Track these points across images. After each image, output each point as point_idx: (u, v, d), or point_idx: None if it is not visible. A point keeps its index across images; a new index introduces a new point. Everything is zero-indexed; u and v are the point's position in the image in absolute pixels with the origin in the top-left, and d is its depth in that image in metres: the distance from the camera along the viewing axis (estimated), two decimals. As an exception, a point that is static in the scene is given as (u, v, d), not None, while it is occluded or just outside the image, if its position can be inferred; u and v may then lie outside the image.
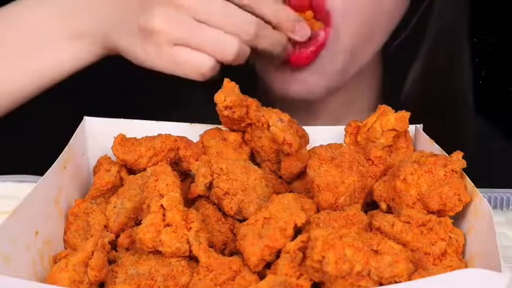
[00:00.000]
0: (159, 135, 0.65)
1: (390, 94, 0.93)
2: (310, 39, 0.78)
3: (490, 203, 0.67)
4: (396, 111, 0.67)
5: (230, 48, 0.69)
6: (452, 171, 0.57)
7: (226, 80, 0.64)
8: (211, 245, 0.57)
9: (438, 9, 0.88)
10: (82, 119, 0.69)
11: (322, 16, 0.78)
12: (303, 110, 0.90)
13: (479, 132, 0.98)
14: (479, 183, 0.57)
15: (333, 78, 0.83)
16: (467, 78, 0.93)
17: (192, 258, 0.55)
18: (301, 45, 0.78)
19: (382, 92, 0.95)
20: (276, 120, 0.62)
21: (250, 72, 0.90)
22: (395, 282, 0.47)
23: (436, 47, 0.90)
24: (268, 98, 0.92)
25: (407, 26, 0.87)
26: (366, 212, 0.59)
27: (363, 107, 0.93)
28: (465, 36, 0.92)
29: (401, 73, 0.91)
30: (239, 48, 0.69)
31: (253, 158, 0.68)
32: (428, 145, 0.65)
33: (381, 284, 0.47)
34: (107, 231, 0.59)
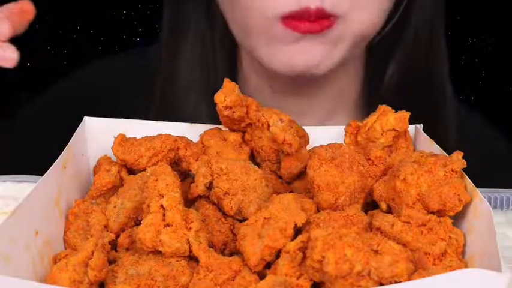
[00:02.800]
0: (159, 135, 0.65)
1: (371, 89, 0.93)
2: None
3: (490, 203, 0.67)
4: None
5: None
6: (452, 171, 0.57)
7: (226, 80, 0.64)
8: (211, 245, 0.57)
9: (419, 2, 0.89)
10: (82, 119, 0.69)
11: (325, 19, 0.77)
12: (291, 109, 0.90)
13: (479, 132, 0.98)
14: (479, 183, 0.57)
15: (339, 53, 0.82)
16: (446, 70, 0.93)
17: (192, 258, 0.55)
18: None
19: (365, 89, 0.95)
20: (276, 120, 0.62)
21: (230, 64, 0.90)
22: (395, 282, 0.47)
23: (414, 42, 0.91)
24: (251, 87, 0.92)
25: (393, 18, 0.87)
26: (366, 212, 0.59)
27: (348, 104, 0.93)
28: (442, 30, 0.92)
29: (381, 67, 0.92)
30: None
31: (253, 158, 0.68)
32: (428, 145, 0.65)
33: (381, 284, 0.47)
34: (107, 231, 0.59)
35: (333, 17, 0.77)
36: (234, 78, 0.93)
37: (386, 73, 0.91)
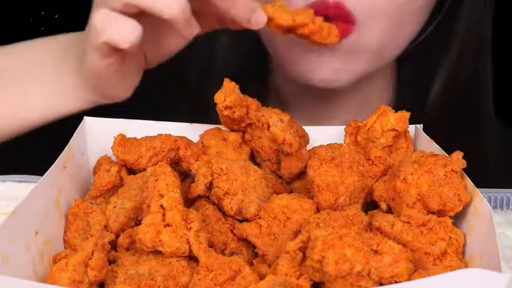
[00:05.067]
0: (159, 135, 0.65)
1: (415, 98, 0.92)
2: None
3: (490, 203, 0.66)
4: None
5: None
6: (452, 171, 0.57)
7: (226, 80, 0.64)
8: (211, 245, 0.57)
9: (466, 12, 0.87)
10: (82, 119, 0.69)
11: (343, 18, 0.75)
12: (317, 109, 0.89)
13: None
14: (479, 183, 0.57)
15: (361, 66, 0.81)
16: (490, 82, 0.93)
17: (192, 258, 0.55)
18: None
19: (399, 93, 0.95)
20: (276, 120, 0.62)
21: (263, 72, 0.90)
22: (395, 282, 0.47)
23: (463, 51, 0.89)
24: (282, 94, 0.92)
25: (427, 28, 0.86)
26: (366, 212, 0.59)
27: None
28: (490, 38, 0.91)
29: (427, 76, 0.91)
30: None
31: (253, 158, 0.68)
32: (428, 145, 0.65)
33: (381, 284, 0.47)
34: (107, 231, 0.59)
35: (351, 20, 0.75)
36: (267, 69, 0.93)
37: (431, 89, 0.90)
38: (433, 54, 0.90)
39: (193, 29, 0.64)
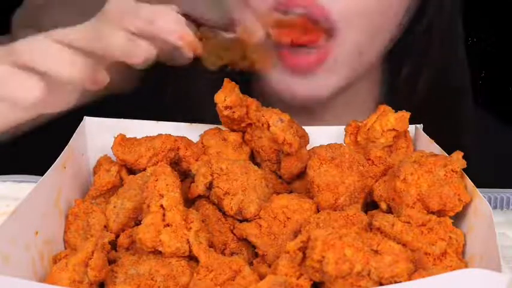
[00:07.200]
0: (159, 135, 0.65)
1: (388, 93, 0.93)
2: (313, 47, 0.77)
3: (490, 203, 0.67)
4: (395, 110, 0.67)
5: None
6: (452, 171, 0.57)
7: (226, 80, 0.64)
8: (211, 245, 0.57)
9: (436, 7, 0.89)
10: (82, 119, 0.69)
11: (322, 23, 0.77)
12: (302, 112, 0.90)
13: (493, 132, 0.98)
14: (479, 183, 0.57)
15: (340, 79, 0.83)
16: (466, 76, 0.93)
17: (192, 258, 0.55)
18: (304, 52, 0.77)
19: (381, 93, 0.95)
20: (276, 120, 0.62)
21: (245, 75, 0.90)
22: (395, 282, 0.47)
23: (430, 45, 0.90)
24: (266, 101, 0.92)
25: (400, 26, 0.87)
26: (366, 212, 0.59)
27: (362, 109, 0.93)
28: (460, 33, 0.92)
29: (396, 71, 0.92)
30: None
31: (253, 158, 0.68)
32: (428, 145, 0.65)
33: (381, 284, 0.47)
34: (107, 231, 0.59)
35: (324, 15, 0.76)
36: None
37: (401, 75, 0.91)
38: (400, 55, 0.90)
39: (101, 83, 0.62)
